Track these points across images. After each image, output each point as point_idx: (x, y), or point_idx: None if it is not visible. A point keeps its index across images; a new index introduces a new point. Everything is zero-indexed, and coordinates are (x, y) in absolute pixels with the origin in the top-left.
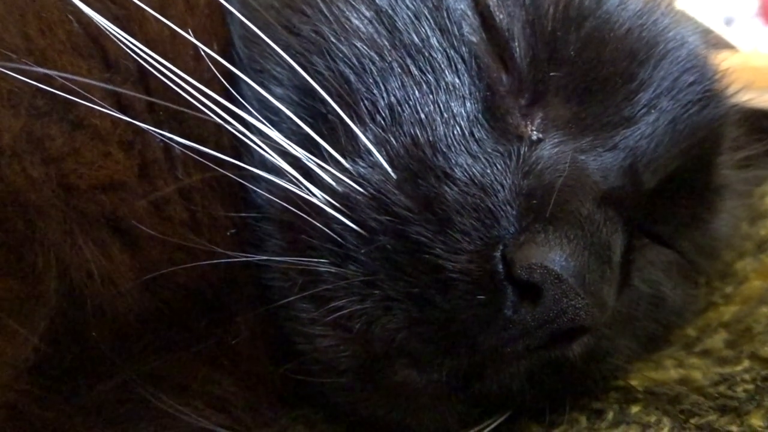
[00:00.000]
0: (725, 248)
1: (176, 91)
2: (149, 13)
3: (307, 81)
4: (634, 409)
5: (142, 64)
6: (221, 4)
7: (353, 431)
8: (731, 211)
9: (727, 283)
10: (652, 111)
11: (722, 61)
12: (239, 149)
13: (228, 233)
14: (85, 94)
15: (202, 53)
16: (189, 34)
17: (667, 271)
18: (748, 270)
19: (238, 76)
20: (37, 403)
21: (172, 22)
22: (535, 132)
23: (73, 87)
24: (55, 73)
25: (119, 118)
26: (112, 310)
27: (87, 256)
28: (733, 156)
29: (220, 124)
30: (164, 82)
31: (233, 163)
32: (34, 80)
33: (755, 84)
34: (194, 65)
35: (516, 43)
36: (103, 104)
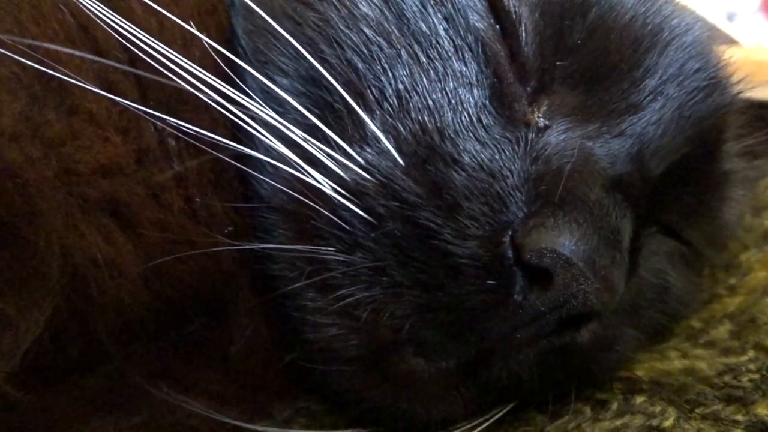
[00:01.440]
0: (731, 237)
1: (166, 79)
2: (135, 2)
3: (314, 70)
4: (639, 399)
5: (133, 53)
6: None
7: (355, 423)
8: (738, 198)
9: (732, 275)
10: (658, 98)
11: (722, 51)
12: (239, 139)
13: (226, 231)
14: (78, 77)
15: (191, 42)
16: (191, 25)
17: (672, 260)
18: (752, 261)
19: (242, 67)
20: (29, 390)
21: (160, 9)
22: (541, 119)
23: (66, 71)
24: (50, 46)
25: (113, 103)
26: (117, 298)
27: (90, 241)
28: (737, 144)
29: (215, 115)
30: (155, 70)
31: (234, 154)
32: (31, 62)
33: (757, 78)
34: (184, 54)
35: (523, 28)
36: (96, 88)
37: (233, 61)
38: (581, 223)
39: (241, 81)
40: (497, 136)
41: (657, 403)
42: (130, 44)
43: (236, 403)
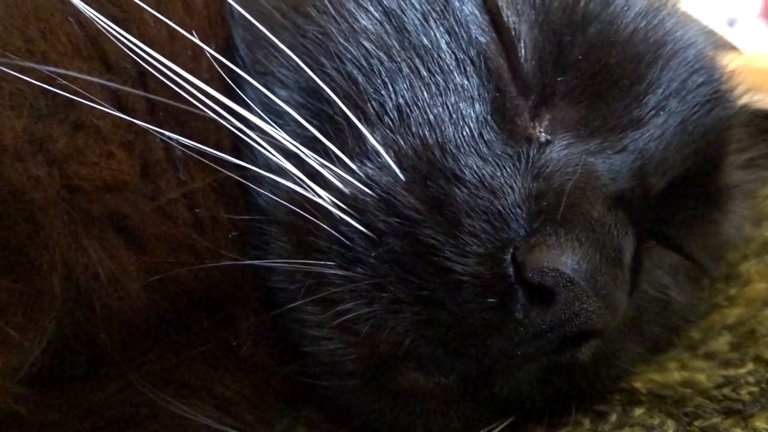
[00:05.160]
0: (732, 250)
1: (175, 91)
2: (148, 13)
3: (313, 82)
4: (638, 411)
5: (141, 66)
6: (218, 6)
7: None
8: (739, 211)
9: (731, 286)
10: (661, 113)
11: (725, 62)
12: (241, 151)
13: (230, 236)
14: (86, 94)
15: (201, 54)
16: (193, 35)
17: (674, 274)
18: (752, 272)
19: (241, 78)
20: (39, 407)
21: (171, 23)
22: (543, 134)
23: (75, 87)
24: (57, 71)
25: (120, 118)
26: (120, 312)
27: (93, 257)
28: (740, 157)
29: (220, 126)
30: (163, 82)
31: (235, 165)
32: (36, 80)
33: (758, 86)
34: (193, 66)
35: (522, 44)
36: (104, 104)
37: (235, 71)
38: (583, 242)
39: (241, 92)
40: (499, 152)
41: (656, 415)
42: (138, 57)
43: (242, 405)
